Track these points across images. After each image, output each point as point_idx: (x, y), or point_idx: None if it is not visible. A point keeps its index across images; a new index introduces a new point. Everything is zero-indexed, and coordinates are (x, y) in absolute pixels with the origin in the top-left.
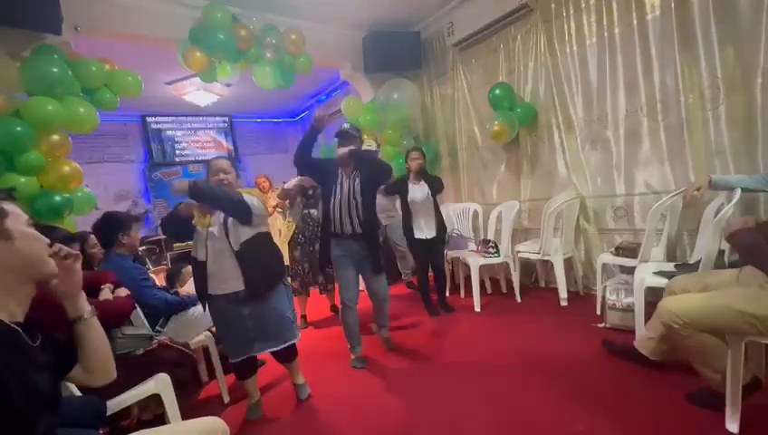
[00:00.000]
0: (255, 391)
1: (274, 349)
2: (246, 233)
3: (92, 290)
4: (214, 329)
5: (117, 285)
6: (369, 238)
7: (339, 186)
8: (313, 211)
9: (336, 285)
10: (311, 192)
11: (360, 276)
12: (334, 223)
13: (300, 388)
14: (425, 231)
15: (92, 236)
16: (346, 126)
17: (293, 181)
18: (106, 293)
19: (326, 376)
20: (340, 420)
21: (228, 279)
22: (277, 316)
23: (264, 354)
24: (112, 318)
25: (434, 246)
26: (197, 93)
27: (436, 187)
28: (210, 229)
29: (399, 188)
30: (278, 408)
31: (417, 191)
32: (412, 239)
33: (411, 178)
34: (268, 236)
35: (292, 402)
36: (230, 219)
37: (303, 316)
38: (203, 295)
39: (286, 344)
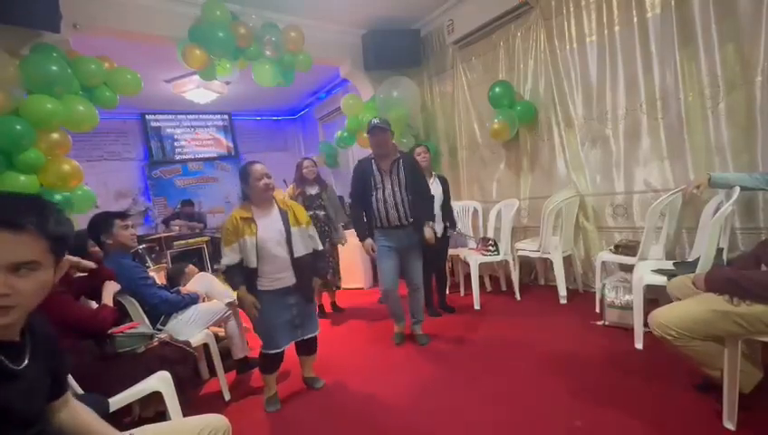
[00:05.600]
0: (274, 384)
1: (310, 335)
2: (303, 248)
3: (94, 288)
4: (212, 328)
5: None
6: (415, 227)
7: (380, 180)
8: (320, 212)
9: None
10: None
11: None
12: (379, 215)
13: (312, 380)
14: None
15: None
16: (376, 121)
17: None
18: (107, 296)
19: (325, 371)
20: (339, 418)
21: (282, 275)
22: (313, 307)
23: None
24: (90, 330)
25: (438, 245)
26: (197, 91)
27: (446, 188)
28: (261, 237)
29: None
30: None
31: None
32: None
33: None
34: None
35: (290, 400)
36: (292, 232)
37: (333, 303)
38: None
39: (316, 333)
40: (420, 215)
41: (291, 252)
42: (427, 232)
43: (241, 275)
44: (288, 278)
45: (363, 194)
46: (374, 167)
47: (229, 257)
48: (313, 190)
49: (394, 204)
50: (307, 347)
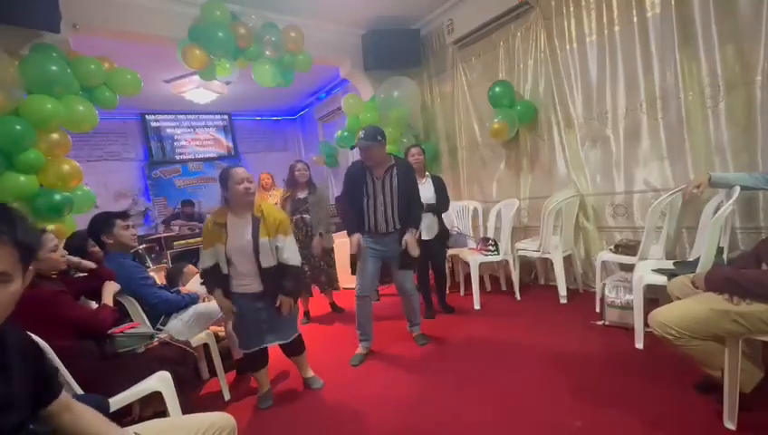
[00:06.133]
0: (266, 381)
1: (283, 342)
2: (271, 260)
3: (94, 288)
4: (212, 328)
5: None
6: (402, 234)
7: (371, 188)
8: (307, 216)
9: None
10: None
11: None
12: (368, 221)
13: (311, 380)
14: (425, 231)
15: None
16: (361, 135)
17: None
18: (107, 296)
19: (325, 371)
20: (337, 415)
21: (249, 282)
22: (285, 316)
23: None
24: (90, 330)
25: (433, 246)
26: (197, 91)
27: (440, 187)
28: (229, 247)
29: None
30: (277, 404)
31: (421, 191)
32: None
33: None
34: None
35: (290, 400)
36: (260, 243)
37: (306, 312)
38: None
39: (292, 338)
40: (406, 221)
41: (258, 263)
42: (407, 236)
43: (217, 280)
44: (255, 285)
45: (353, 198)
46: (367, 173)
47: (205, 261)
48: (302, 194)
49: (384, 213)
50: (290, 349)
